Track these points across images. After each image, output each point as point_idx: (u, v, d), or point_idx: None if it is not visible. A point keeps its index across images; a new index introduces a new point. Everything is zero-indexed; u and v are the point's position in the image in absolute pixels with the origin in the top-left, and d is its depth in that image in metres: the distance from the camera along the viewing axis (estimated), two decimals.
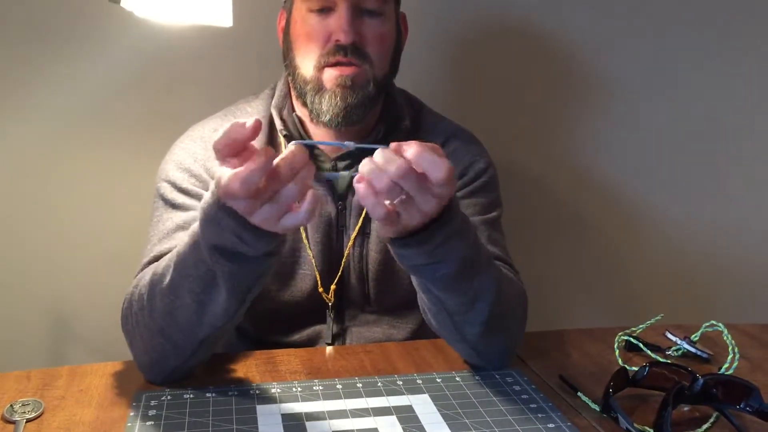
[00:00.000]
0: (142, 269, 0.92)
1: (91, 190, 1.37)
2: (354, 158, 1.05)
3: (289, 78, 1.04)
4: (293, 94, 1.05)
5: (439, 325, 0.90)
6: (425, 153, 0.69)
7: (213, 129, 1.05)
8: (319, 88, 0.98)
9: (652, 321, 1.09)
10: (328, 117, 0.98)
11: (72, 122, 1.33)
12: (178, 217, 0.96)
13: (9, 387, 0.85)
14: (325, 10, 0.98)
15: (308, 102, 1.00)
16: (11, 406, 0.80)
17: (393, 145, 0.71)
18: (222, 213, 0.72)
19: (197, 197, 0.97)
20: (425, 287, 0.84)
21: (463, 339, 0.89)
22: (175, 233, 0.94)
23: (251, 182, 0.68)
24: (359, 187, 0.72)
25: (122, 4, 0.85)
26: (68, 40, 1.29)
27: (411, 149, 0.70)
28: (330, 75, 0.97)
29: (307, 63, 0.99)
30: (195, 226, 0.79)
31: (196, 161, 1.01)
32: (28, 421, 0.78)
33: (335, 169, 1.04)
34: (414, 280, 0.86)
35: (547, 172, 1.63)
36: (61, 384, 0.86)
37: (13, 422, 0.77)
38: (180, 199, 0.98)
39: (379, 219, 0.74)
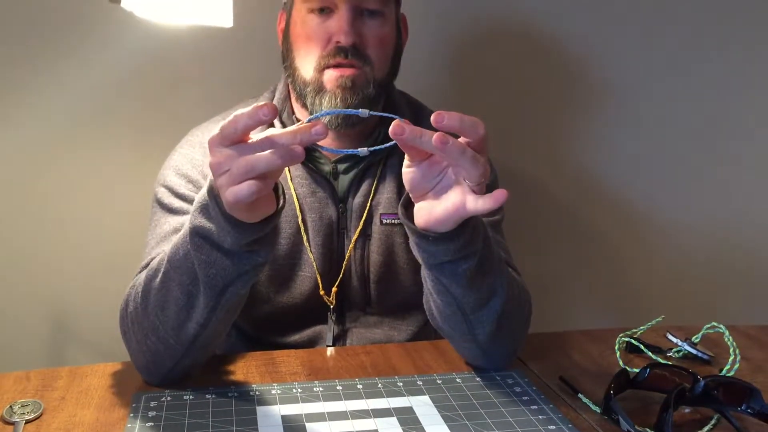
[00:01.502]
0: (139, 272, 0.92)
1: (91, 191, 1.38)
2: (353, 162, 1.05)
3: (289, 80, 1.04)
4: (293, 96, 1.06)
5: (450, 326, 0.89)
6: (462, 117, 0.70)
7: (212, 134, 1.05)
8: (320, 90, 0.98)
9: (653, 322, 1.09)
10: (328, 118, 0.99)
11: (72, 123, 1.34)
12: (175, 220, 0.96)
13: (8, 388, 0.85)
14: (325, 11, 0.98)
15: (308, 103, 1.00)
16: (10, 406, 0.79)
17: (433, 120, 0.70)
18: (212, 198, 0.74)
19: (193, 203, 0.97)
20: (443, 287, 0.84)
21: (474, 339, 0.89)
22: (171, 236, 0.94)
23: (253, 118, 0.68)
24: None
25: (122, 4, 0.85)
26: (68, 41, 1.29)
27: (446, 117, 0.69)
28: (330, 76, 0.97)
29: (307, 64, 0.99)
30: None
31: (194, 167, 1.01)
32: (28, 422, 0.78)
33: (335, 171, 1.04)
34: (430, 281, 0.85)
35: (548, 175, 1.63)
36: (61, 385, 0.86)
37: (13, 423, 0.77)
38: (177, 203, 0.98)
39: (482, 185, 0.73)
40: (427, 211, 0.77)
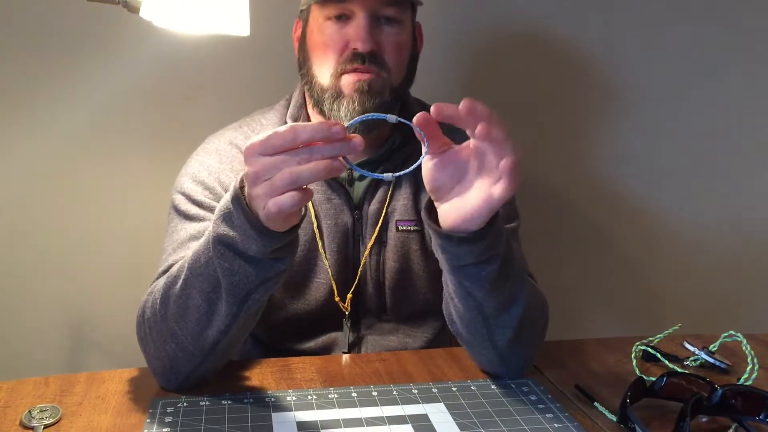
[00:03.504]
0: (156, 278, 0.93)
1: (109, 198, 1.39)
2: (371, 168, 1.05)
3: (306, 87, 1.05)
4: (309, 103, 1.06)
5: (470, 332, 0.89)
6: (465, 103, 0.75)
7: (228, 141, 1.06)
8: (338, 95, 0.99)
9: (670, 331, 1.08)
10: (345, 123, 0.99)
11: (89, 131, 1.35)
12: (192, 227, 0.97)
13: (27, 393, 0.86)
14: (342, 18, 0.98)
15: (326, 109, 1.00)
16: (29, 411, 0.80)
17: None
18: (236, 207, 0.74)
19: (210, 209, 0.97)
20: (465, 291, 0.84)
21: (493, 345, 0.89)
22: (188, 243, 0.95)
23: (321, 133, 0.70)
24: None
25: (141, 13, 0.86)
26: (87, 49, 1.31)
27: (445, 107, 0.74)
28: (348, 81, 0.98)
29: (324, 71, 1.00)
30: (209, 225, 0.80)
31: (210, 174, 1.02)
32: (46, 427, 0.78)
33: (350, 177, 1.05)
34: (452, 285, 0.85)
35: (564, 182, 1.62)
36: (79, 390, 0.87)
37: (32, 428, 0.78)
38: (194, 210, 0.99)
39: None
40: (456, 210, 0.77)
